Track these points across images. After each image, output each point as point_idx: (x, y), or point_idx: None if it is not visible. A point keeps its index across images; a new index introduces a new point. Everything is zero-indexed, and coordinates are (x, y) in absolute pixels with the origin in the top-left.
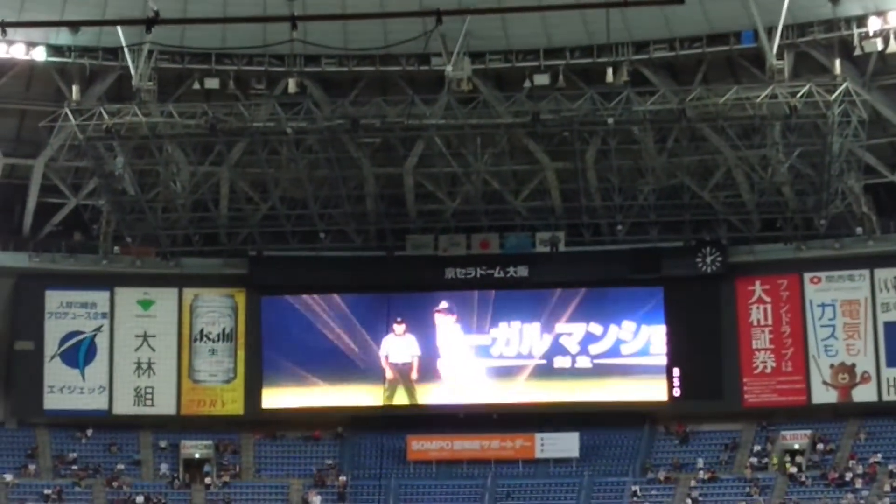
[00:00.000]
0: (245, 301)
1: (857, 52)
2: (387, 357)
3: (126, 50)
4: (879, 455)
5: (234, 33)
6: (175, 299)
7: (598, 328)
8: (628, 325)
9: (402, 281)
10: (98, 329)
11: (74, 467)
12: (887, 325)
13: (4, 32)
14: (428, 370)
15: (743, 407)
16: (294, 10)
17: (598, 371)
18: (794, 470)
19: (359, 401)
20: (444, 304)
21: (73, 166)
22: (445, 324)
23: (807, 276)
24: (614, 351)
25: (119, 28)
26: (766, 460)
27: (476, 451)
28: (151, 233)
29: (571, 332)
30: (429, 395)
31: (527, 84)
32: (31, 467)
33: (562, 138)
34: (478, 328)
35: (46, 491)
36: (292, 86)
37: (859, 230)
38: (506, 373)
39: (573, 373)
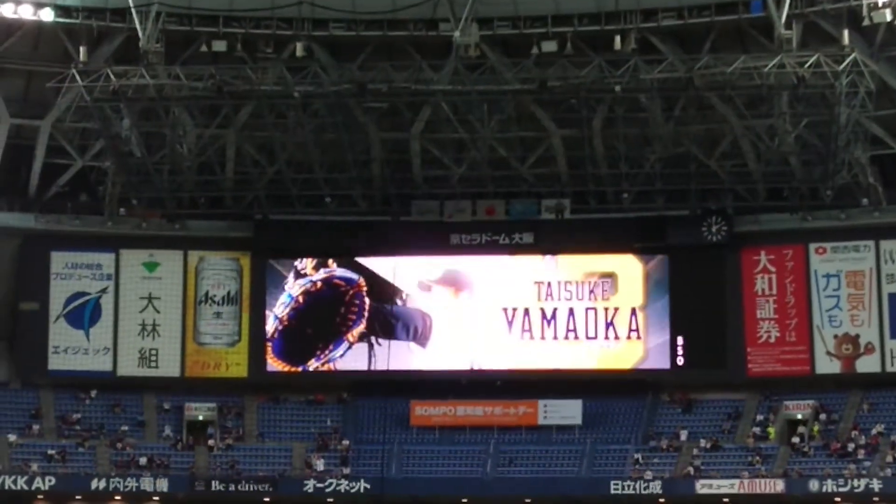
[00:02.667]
0: (250, 264)
1: (866, 22)
2: None
3: (134, 11)
4: (882, 426)
5: None
6: (180, 262)
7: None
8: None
9: (407, 246)
10: (103, 290)
11: (78, 428)
12: (892, 296)
13: None
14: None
15: (746, 376)
16: None
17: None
18: (796, 440)
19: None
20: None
21: (80, 127)
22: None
23: (812, 246)
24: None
25: None
26: (769, 430)
27: (479, 417)
28: (157, 195)
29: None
30: (432, 360)
31: (534, 51)
32: (35, 427)
33: (569, 105)
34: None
35: (50, 451)
36: (300, 50)
37: (865, 201)
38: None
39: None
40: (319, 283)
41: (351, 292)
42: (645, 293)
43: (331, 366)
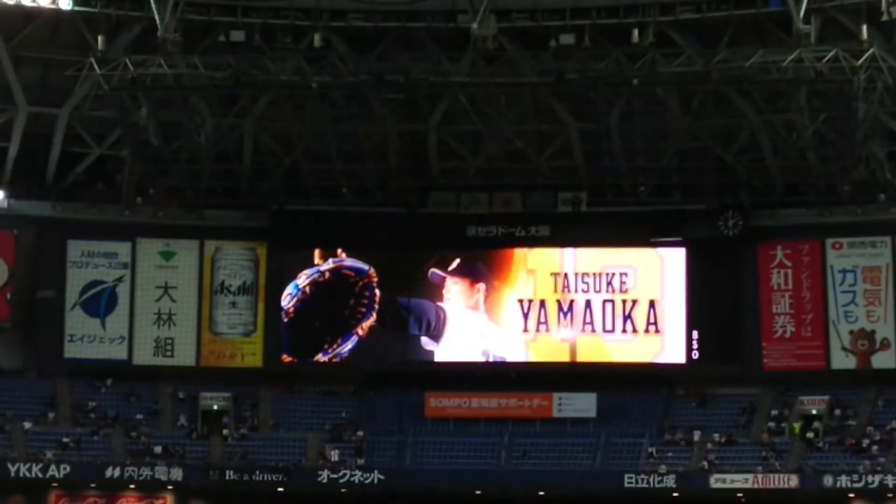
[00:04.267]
0: (266, 254)
1: (885, 17)
2: None
3: (152, 0)
4: None
5: None
6: (196, 251)
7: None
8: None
9: (423, 238)
10: (119, 279)
11: (93, 416)
12: None
13: None
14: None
15: (762, 371)
16: None
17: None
18: (811, 435)
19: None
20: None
21: (98, 116)
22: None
23: (828, 241)
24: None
25: None
26: (783, 425)
27: (493, 409)
28: (174, 184)
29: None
30: (447, 352)
31: (552, 43)
32: (51, 416)
33: (586, 98)
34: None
35: (65, 439)
36: (318, 40)
37: (882, 197)
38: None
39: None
40: (328, 274)
41: (361, 283)
42: (661, 287)
43: (339, 360)
